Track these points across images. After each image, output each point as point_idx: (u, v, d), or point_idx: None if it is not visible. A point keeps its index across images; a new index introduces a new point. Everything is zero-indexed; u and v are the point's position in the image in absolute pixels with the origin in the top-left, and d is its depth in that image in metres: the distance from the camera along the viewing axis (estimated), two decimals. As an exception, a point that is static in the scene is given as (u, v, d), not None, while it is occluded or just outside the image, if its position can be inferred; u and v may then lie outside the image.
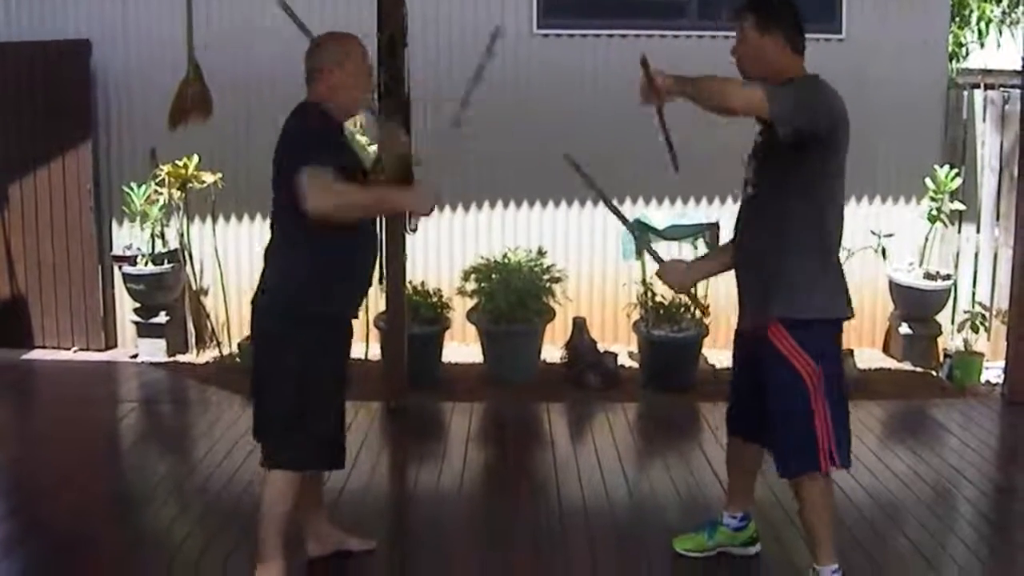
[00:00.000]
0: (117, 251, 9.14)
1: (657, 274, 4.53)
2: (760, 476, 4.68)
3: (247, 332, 8.13)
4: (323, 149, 3.98)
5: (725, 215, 8.14)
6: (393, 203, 4.48)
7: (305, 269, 4.10)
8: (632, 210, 9.02)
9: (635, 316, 8.39)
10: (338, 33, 4.31)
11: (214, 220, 8.98)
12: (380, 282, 7.14)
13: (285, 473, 4.19)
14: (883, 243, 8.74)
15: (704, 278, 4.63)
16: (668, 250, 8.61)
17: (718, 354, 8.66)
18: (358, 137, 7.81)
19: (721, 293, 8.33)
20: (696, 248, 8.28)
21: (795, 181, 3.98)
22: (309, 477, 4.44)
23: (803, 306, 4.02)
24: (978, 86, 9.54)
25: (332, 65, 4.16)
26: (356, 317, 4.41)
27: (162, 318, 8.93)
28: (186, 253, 9.01)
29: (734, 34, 4.19)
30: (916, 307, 8.97)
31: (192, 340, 9.27)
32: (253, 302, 4.24)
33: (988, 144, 9.35)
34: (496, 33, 4.78)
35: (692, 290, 4.84)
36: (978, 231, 9.43)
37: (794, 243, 4.00)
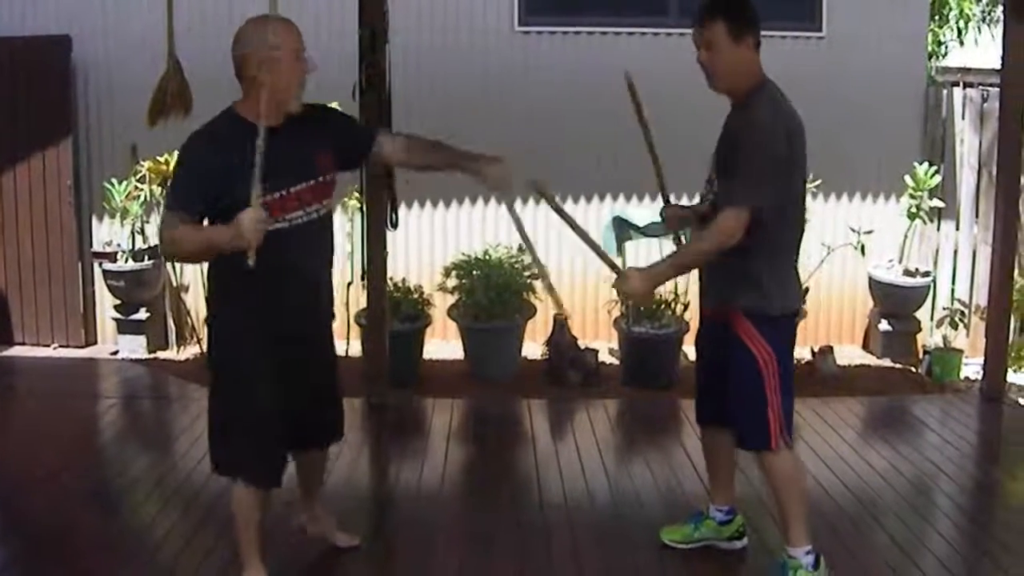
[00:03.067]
0: (97, 247, 9.12)
1: (614, 286, 4.50)
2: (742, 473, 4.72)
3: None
4: (177, 186, 3.90)
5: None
6: (212, 241, 3.81)
7: (224, 279, 4.04)
8: (612, 207, 9.04)
9: (616, 313, 8.40)
10: (264, 18, 3.91)
11: (194, 216, 8.95)
12: (361, 279, 7.15)
13: (236, 481, 4.14)
14: (862, 240, 8.77)
15: (661, 284, 4.49)
16: (648, 247, 8.66)
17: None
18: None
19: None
20: (676, 243, 8.28)
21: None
22: (307, 463, 4.49)
23: (768, 303, 4.14)
24: (957, 84, 9.58)
25: (257, 57, 3.84)
26: (297, 328, 4.14)
27: (142, 315, 8.91)
28: (166, 249, 8.98)
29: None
30: (895, 304, 9.01)
31: (172, 337, 9.26)
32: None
33: (967, 142, 9.40)
34: None
35: (657, 295, 4.87)
36: (957, 228, 9.47)
37: (758, 243, 4.03)
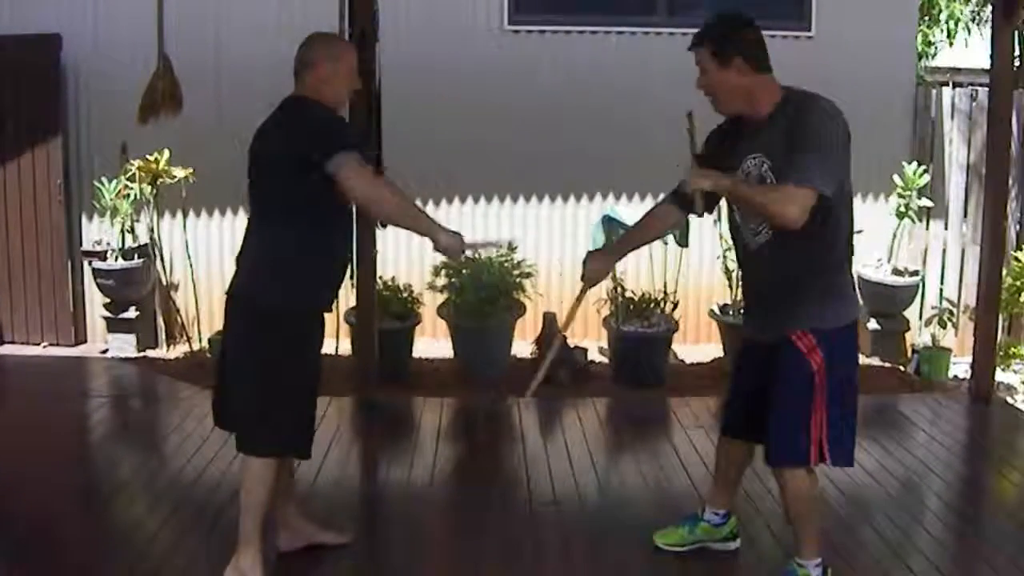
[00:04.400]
0: (87, 246, 9.11)
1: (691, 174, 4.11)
2: (750, 470, 4.73)
3: (217, 327, 8.09)
4: (353, 137, 4.23)
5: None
6: (430, 228, 4.43)
7: (290, 263, 4.15)
8: (602, 205, 9.05)
9: (605, 311, 8.41)
10: (330, 34, 4.47)
11: (184, 215, 8.96)
12: (351, 278, 7.15)
13: (262, 458, 4.21)
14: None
15: (621, 258, 4.58)
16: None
17: (688, 349, 8.71)
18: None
19: (691, 289, 8.42)
20: (666, 244, 8.31)
21: (817, 214, 3.83)
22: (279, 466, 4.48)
23: (828, 318, 4.03)
24: (946, 84, 9.63)
25: (325, 59, 4.21)
26: (330, 311, 4.44)
27: (132, 313, 8.91)
28: (156, 248, 8.99)
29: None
30: (884, 303, 9.02)
31: (162, 335, 9.26)
32: (229, 292, 4.25)
33: (956, 142, 9.42)
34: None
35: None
36: (946, 228, 9.50)
37: (819, 263, 3.99)
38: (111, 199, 8.72)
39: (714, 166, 4.04)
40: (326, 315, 4.42)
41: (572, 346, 8.26)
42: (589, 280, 4.46)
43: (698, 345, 9.15)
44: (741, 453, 4.57)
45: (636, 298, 8.29)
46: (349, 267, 4.58)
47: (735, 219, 4.24)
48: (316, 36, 4.33)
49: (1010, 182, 7.20)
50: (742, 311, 4.84)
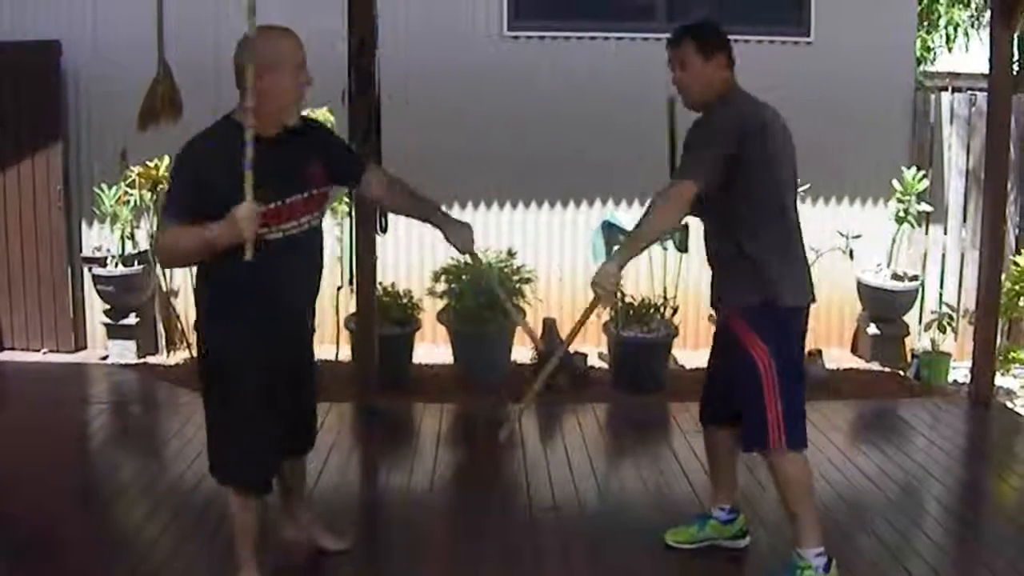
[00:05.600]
0: (87, 252, 9.11)
1: (593, 284, 4.32)
2: (749, 470, 4.75)
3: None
4: (175, 198, 3.90)
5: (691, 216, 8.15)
6: (207, 238, 3.77)
7: (208, 292, 4.07)
8: (601, 211, 9.06)
9: (605, 317, 8.41)
10: (269, 28, 3.90)
11: (184, 221, 8.94)
12: (350, 283, 7.16)
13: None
14: (851, 244, 8.79)
15: (625, 263, 4.39)
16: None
17: (688, 355, 8.71)
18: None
19: (691, 294, 8.42)
20: (665, 248, 8.31)
21: (733, 194, 4.14)
22: (290, 469, 4.51)
23: (758, 297, 4.20)
24: (945, 89, 9.62)
25: (262, 68, 3.80)
26: (286, 338, 4.19)
27: (132, 319, 8.91)
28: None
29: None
30: (884, 308, 9.03)
31: (162, 342, 9.25)
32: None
33: (955, 146, 9.44)
34: None
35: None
36: (945, 232, 9.51)
37: (744, 244, 4.19)
38: (111, 205, 8.72)
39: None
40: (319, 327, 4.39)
41: (572, 352, 8.25)
42: (599, 285, 4.34)
43: (698, 350, 9.12)
44: (722, 441, 4.68)
45: (636, 303, 8.29)
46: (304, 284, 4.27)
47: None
48: (248, 39, 3.86)
49: (1009, 186, 7.20)
50: None
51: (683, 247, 8.15)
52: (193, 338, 4.25)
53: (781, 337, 4.25)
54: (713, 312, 4.66)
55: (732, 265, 4.27)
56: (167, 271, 9.08)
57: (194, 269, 4.11)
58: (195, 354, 4.21)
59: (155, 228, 3.88)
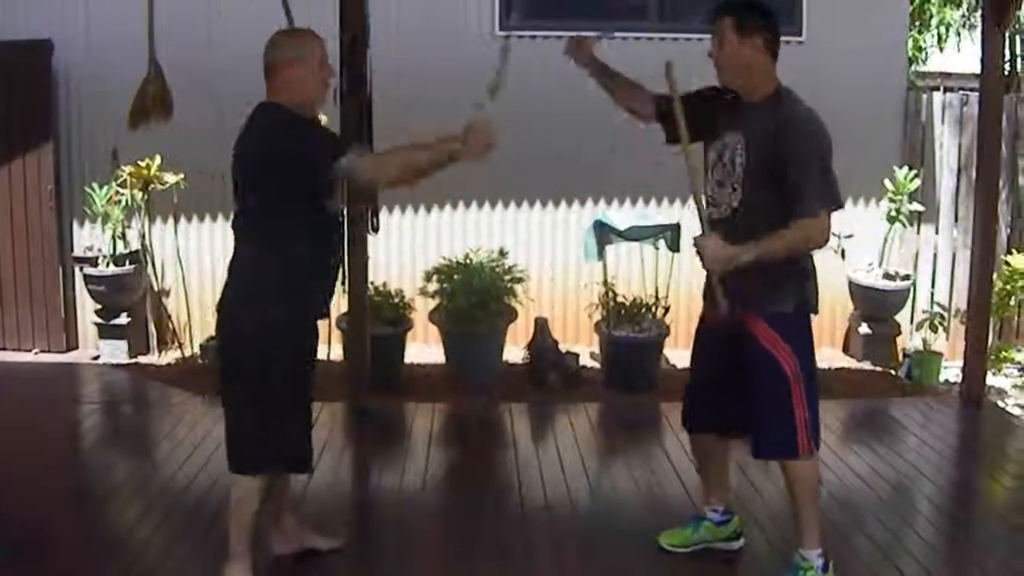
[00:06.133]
0: (78, 252, 9.09)
1: (695, 244, 4.19)
2: (741, 471, 4.75)
3: (209, 333, 8.12)
4: (331, 141, 4.30)
5: (686, 215, 8.15)
6: (444, 153, 4.50)
7: (278, 272, 4.10)
8: (593, 210, 9.06)
9: (596, 316, 8.41)
10: (294, 28, 4.27)
11: (176, 221, 8.94)
12: (342, 283, 7.14)
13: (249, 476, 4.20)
14: (843, 244, 8.81)
15: (738, 261, 4.12)
16: (629, 250, 8.68)
17: (679, 354, 8.70)
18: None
19: (682, 294, 8.42)
20: (657, 249, 8.31)
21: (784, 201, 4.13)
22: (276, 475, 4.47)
23: (785, 302, 4.20)
24: (937, 88, 9.64)
25: (290, 60, 4.13)
26: (325, 317, 4.40)
27: (123, 319, 8.89)
28: (148, 254, 8.98)
29: (697, 36, 4.26)
30: (875, 307, 9.04)
31: (154, 341, 9.24)
32: (219, 306, 4.22)
33: (946, 146, 9.45)
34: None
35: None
36: (937, 232, 9.53)
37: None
38: (102, 205, 8.70)
39: (689, 118, 4.23)
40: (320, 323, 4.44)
41: (564, 351, 8.26)
42: (717, 262, 4.21)
43: (689, 350, 9.14)
44: (715, 447, 4.66)
45: (627, 303, 8.29)
46: (338, 273, 4.54)
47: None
48: (280, 35, 4.33)
49: (1000, 186, 7.21)
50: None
51: (675, 247, 8.15)
52: (216, 321, 4.29)
53: (808, 342, 4.25)
54: (709, 317, 4.58)
55: (775, 271, 4.14)
56: (158, 270, 9.07)
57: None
58: (227, 336, 4.23)
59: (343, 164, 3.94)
